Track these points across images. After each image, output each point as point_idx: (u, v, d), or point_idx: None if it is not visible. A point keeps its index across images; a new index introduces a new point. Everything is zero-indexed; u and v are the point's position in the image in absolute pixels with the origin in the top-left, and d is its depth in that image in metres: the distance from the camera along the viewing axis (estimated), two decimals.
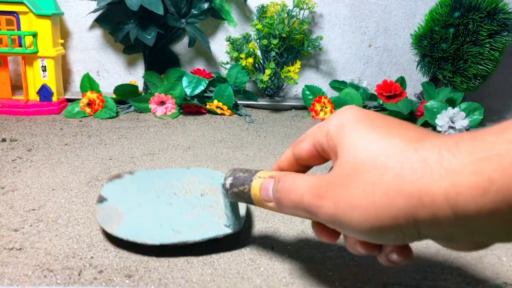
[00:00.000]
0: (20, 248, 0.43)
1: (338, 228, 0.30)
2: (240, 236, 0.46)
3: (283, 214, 0.37)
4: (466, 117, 0.88)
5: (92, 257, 0.41)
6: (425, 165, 0.26)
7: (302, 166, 0.37)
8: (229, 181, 0.39)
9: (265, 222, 0.50)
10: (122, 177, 0.52)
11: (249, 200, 0.38)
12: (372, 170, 0.28)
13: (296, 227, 0.49)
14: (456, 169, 0.25)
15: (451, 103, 0.91)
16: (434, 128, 0.89)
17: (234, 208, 0.42)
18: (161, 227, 0.44)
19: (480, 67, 0.90)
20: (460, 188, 0.24)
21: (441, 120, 0.87)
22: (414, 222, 0.26)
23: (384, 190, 0.27)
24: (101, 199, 0.49)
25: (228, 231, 0.43)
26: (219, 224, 0.44)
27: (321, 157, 0.35)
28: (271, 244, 0.45)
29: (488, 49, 0.88)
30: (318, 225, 0.34)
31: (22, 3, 0.82)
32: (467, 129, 0.88)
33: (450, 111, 0.86)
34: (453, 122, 0.86)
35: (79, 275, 0.39)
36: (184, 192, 0.49)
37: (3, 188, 0.55)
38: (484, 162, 0.24)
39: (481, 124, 0.92)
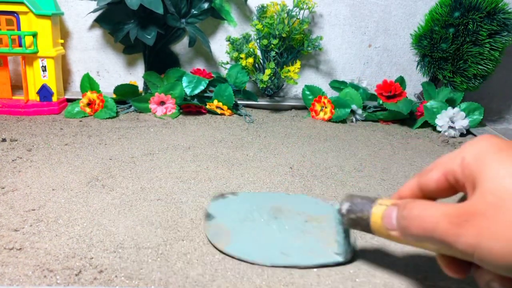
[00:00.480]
0: (20, 248, 0.43)
1: (476, 260, 0.28)
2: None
3: (403, 244, 0.35)
4: (466, 117, 0.88)
5: (92, 257, 0.41)
6: None
7: (427, 198, 0.36)
8: (346, 206, 0.39)
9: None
10: (226, 197, 0.53)
11: (366, 227, 0.37)
12: None
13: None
14: None
15: (451, 103, 0.91)
16: (434, 128, 0.89)
17: (347, 236, 0.42)
18: (269, 248, 0.43)
19: (480, 67, 0.90)
20: None
21: (441, 120, 0.87)
22: None
23: None
24: (209, 216, 0.49)
25: (339, 259, 0.42)
26: (328, 251, 0.43)
27: (451, 188, 0.34)
28: None
29: (488, 49, 0.88)
30: (446, 258, 0.32)
31: (22, 3, 0.82)
32: (467, 129, 0.88)
33: (450, 111, 0.86)
34: (453, 122, 0.86)
35: (79, 275, 0.39)
36: (287, 216, 0.49)
37: (3, 188, 0.55)
38: None
39: (481, 124, 0.92)
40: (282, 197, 0.54)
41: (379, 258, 0.44)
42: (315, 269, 0.41)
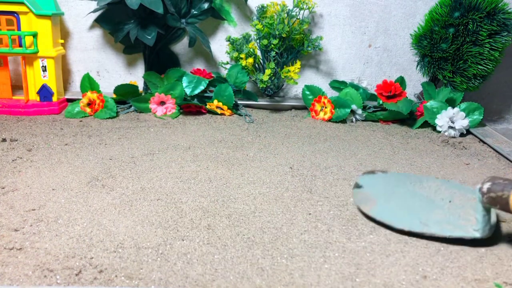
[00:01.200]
0: (20, 248, 0.43)
1: None
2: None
3: None
4: (466, 117, 0.88)
5: (92, 257, 0.42)
6: None
7: None
8: (486, 186, 0.42)
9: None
10: (375, 173, 0.60)
11: (505, 206, 0.40)
12: None
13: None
14: None
15: (451, 103, 0.91)
16: (434, 128, 0.89)
17: (486, 214, 0.44)
18: (409, 217, 0.48)
19: (480, 67, 0.90)
20: None
21: (441, 120, 0.87)
22: None
23: None
24: (357, 185, 0.56)
25: (476, 235, 0.45)
26: (466, 227, 0.46)
27: None
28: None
29: (488, 49, 0.88)
30: None
31: (22, 3, 0.82)
32: (467, 129, 0.88)
33: (450, 111, 0.86)
34: (453, 122, 0.86)
35: (79, 275, 0.39)
36: (431, 194, 0.53)
37: (3, 188, 0.55)
38: None
39: (480, 124, 0.92)
40: (430, 179, 0.59)
41: (379, 259, 0.44)
42: (319, 269, 0.41)
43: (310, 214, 0.52)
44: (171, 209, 0.51)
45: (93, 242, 0.44)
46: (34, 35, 0.84)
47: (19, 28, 0.84)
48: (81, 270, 0.40)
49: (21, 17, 0.84)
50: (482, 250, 0.46)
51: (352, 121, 0.92)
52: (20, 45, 0.84)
